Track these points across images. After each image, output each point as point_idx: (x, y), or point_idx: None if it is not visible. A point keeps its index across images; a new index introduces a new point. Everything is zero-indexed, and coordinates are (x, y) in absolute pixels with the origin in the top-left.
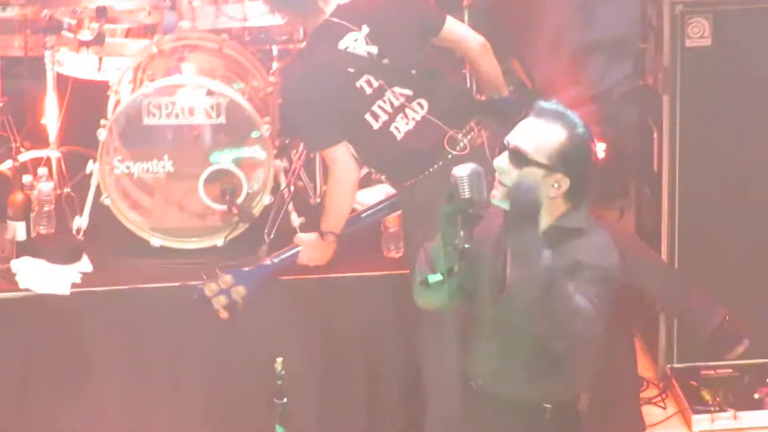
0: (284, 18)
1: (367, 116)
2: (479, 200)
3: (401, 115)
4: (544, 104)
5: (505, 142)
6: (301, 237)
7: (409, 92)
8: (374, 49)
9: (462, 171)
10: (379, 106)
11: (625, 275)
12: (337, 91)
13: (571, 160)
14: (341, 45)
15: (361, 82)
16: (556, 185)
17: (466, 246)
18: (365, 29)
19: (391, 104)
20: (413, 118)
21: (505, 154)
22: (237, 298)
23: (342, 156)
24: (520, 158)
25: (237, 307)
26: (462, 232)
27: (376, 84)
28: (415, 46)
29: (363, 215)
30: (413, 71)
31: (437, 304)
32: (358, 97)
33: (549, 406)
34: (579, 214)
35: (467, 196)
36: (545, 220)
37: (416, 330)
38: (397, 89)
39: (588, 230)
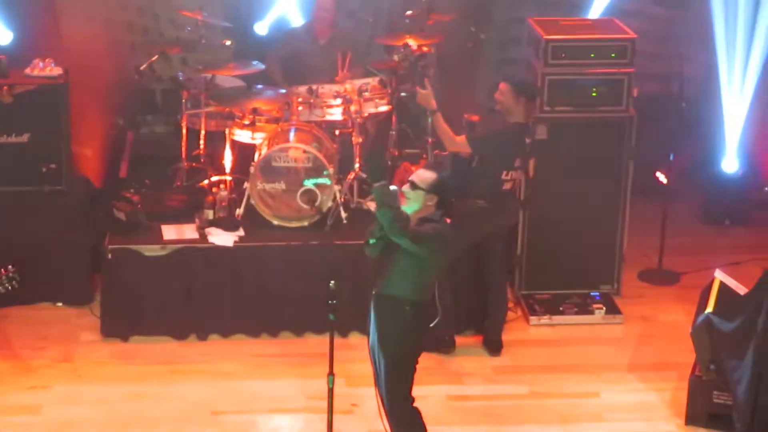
0: None
1: None
2: (393, 204)
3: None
4: (430, 162)
5: (409, 179)
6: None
7: None
8: None
9: (389, 189)
10: None
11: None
12: None
13: (437, 188)
14: None
15: None
16: (430, 200)
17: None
18: None
19: None
20: None
21: (408, 184)
22: None
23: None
24: (414, 186)
25: None
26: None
27: None
28: None
29: None
30: None
31: (374, 254)
32: None
33: (408, 303)
34: (437, 214)
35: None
36: (420, 214)
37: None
38: None
39: (439, 221)
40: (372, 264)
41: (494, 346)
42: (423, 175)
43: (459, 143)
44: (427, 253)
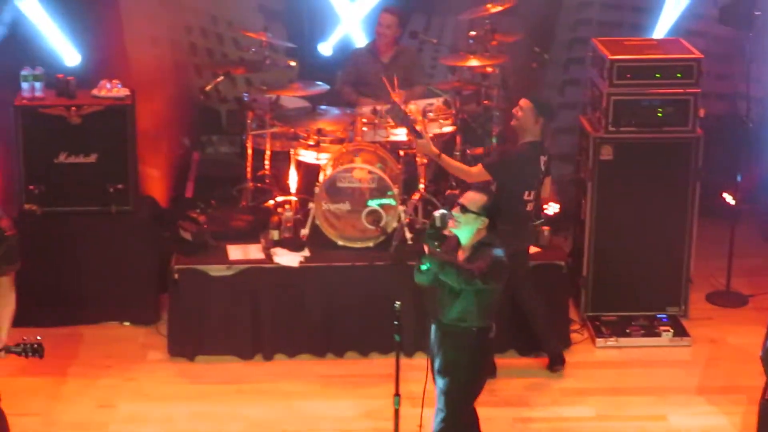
0: None
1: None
2: (444, 228)
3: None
4: (478, 184)
5: (458, 201)
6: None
7: None
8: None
9: (437, 213)
10: None
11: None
12: None
13: (488, 211)
14: None
15: None
16: (481, 223)
17: (438, 249)
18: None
19: None
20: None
21: (458, 207)
22: None
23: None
24: (465, 209)
25: None
26: (436, 242)
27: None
28: None
29: None
30: None
31: (425, 282)
32: None
33: (474, 329)
34: (491, 236)
35: (439, 225)
36: (474, 239)
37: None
38: None
39: (494, 243)
40: (427, 290)
41: (556, 360)
42: (473, 198)
43: (476, 174)
44: (494, 284)
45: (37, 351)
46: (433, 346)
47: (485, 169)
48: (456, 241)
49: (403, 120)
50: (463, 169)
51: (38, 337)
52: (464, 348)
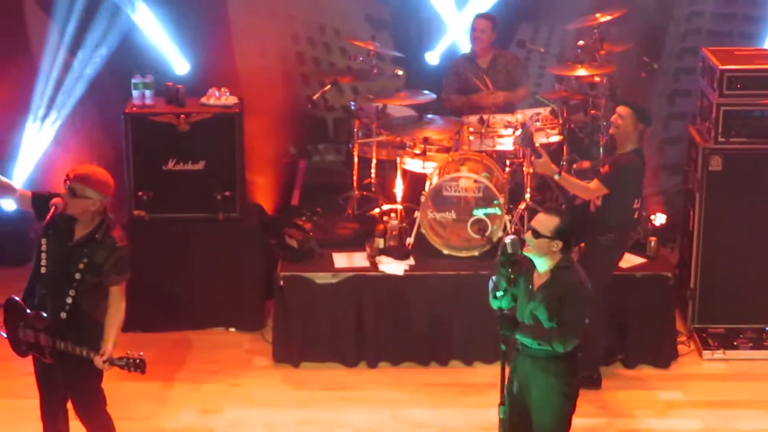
0: None
1: None
2: (516, 254)
3: None
4: (548, 206)
5: (530, 225)
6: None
7: None
8: None
9: (509, 239)
10: None
11: None
12: None
13: (561, 233)
14: None
15: None
16: (555, 246)
17: (512, 276)
18: None
19: None
20: None
21: (530, 232)
22: None
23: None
24: (537, 234)
25: None
26: (510, 269)
27: None
28: None
29: None
30: None
31: (503, 308)
32: None
33: (562, 355)
34: (567, 259)
35: (510, 252)
36: (550, 265)
37: None
38: None
39: (571, 266)
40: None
41: (591, 383)
42: (544, 220)
43: (594, 189)
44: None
45: (139, 366)
46: (524, 378)
47: (602, 183)
48: (529, 265)
49: (529, 143)
50: (582, 186)
51: (140, 353)
52: (556, 379)
